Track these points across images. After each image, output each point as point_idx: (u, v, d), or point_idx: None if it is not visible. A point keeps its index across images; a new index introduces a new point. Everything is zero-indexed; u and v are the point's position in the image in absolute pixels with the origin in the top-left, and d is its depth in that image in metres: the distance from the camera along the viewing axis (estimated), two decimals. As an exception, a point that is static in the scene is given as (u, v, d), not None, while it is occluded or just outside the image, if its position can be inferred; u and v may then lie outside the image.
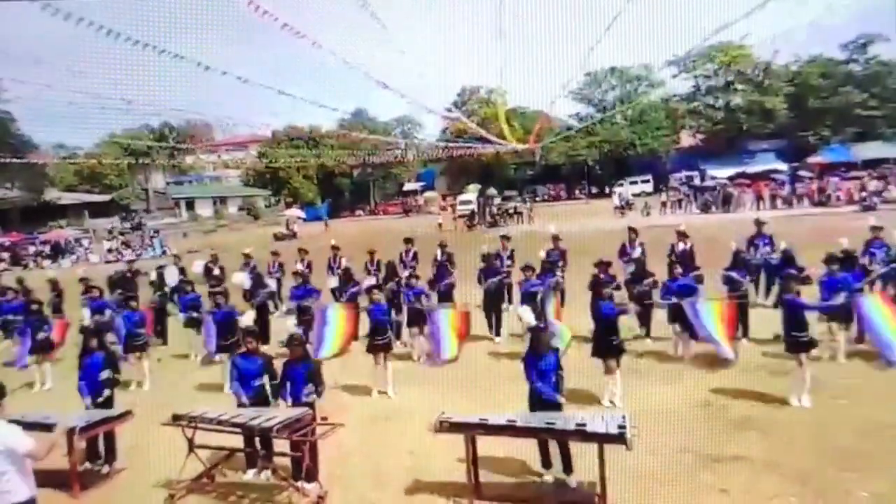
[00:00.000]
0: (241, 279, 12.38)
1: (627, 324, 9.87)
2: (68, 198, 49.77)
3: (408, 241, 13.61)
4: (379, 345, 9.19)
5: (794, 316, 7.76)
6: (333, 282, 13.66)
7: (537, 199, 49.83)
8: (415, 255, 13.40)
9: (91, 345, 7.38)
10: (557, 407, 6.13)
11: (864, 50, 46.71)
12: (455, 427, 5.92)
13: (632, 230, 12.18)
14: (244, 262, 14.08)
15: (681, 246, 11.57)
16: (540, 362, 6.25)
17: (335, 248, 14.20)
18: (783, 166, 42.60)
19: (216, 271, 14.02)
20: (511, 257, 12.49)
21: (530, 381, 6.27)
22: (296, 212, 47.34)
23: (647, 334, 10.72)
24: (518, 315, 8.09)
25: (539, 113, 48.30)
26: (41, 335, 10.87)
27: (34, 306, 11.40)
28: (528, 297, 10.25)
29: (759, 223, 12.02)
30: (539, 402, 6.18)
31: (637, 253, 11.85)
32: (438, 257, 12.74)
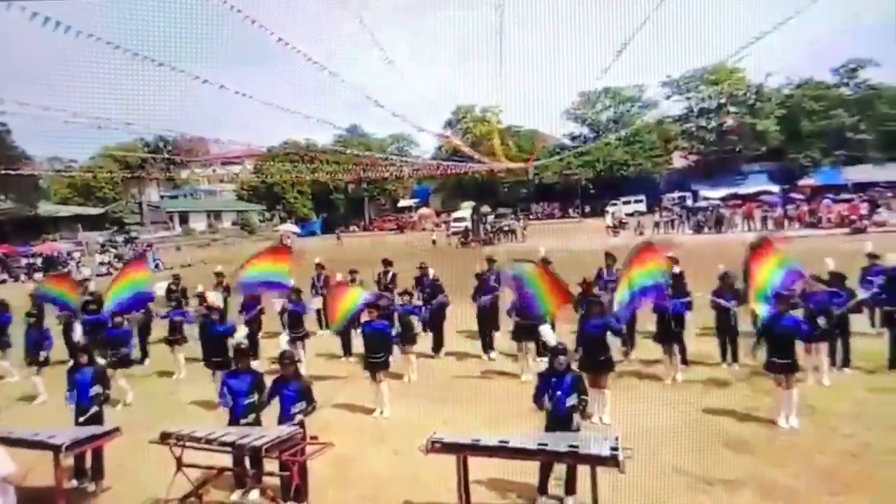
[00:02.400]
0: (213, 298, 12.19)
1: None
2: (61, 210, 49.57)
3: (386, 262, 13.48)
4: (374, 363, 9.09)
5: (775, 339, 7.78)
6: (317, 303, 13.54)
7: (531, 217, 50.09)
8: (393, 276, 13.30)
9: (81, 360, 7.32)
10: (571, 428, 6.10)
11: (855, 74, 47.54)
12: (446, 447, 5.86)
13: (608, 256, 11.97)
14: (216, 282, 13.92)
15: (675, 270, 11.52)
16: (556, 382, 6.24)
17: (320, 266, 13.99)
18: (775, 188, 43.07)
19: (177, 293, 13.81)
20: (498, 280, 12.09)
21: (538, 398, 6.26)
22: (290, 227, 47.40)
23: (627, 353, 10.68)
24: (540, 334, 8.07)
25: (533, 132, 48.91)
26: (42, 351, 10.84)
27: (32, 319, 11.28)
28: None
29: (752, 247, 11.85)
30: (554, 421, 6.16)
31: (612, 279, 11.76)
32: (424, 279, 12.65)
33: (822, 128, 46.18)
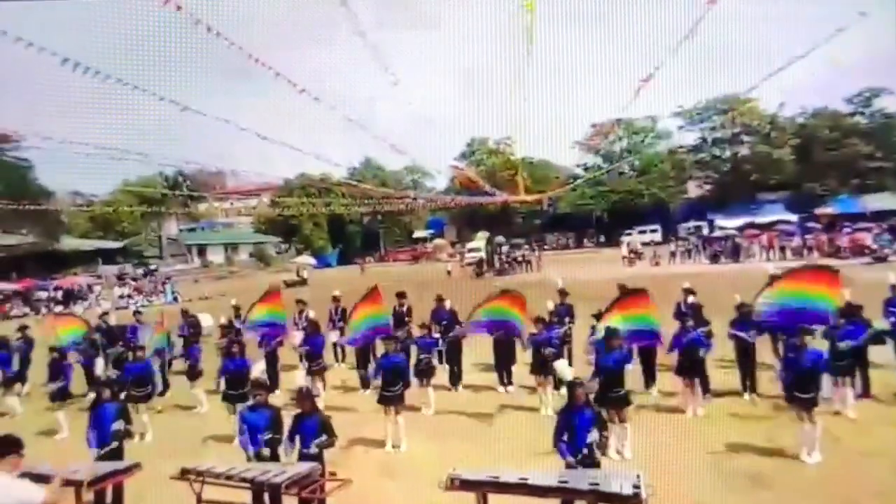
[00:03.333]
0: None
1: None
2: (83, 245, 50.40)
3: (401, 295, 13.35)
4: (390, 396, 9.03)
5: (797, 373, 7.68)
6: (335, 336, 13.58)
7: (545, 247, 50.02)
8: (408, 309, 13.19)
9: (103, 395, 7.40)
10: (592, 463, 6.03)
11: (870, 103, 47.45)
12: (466, 484, 5.82)
13: (622, 288, 12.03)
14: (235, 315, 14.17)
15: (689, 299, 11.47)
16: (575, 418, 6.20)
17: (336, 299, 14.03)
18: (792, 217, 42.71)
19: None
20: None
21: (556, 437, 6.21)
22: (306, 259, 47.71)
23: (649, 386, 10.58)
24: (556, 369, 8.05)
25: (545, 163, 49.22)
26: (60, 383, 10.97)
27: (55, 354, 11.40)
28: (536, 350, 10.22)
29: (773, 278, 11.76)
30: (576, 458, 6.10)
31: None
32: (441, 311, 12.62)
33: (837, 157, 45.98)
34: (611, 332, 8.77)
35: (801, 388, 7.59)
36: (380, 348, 10.73)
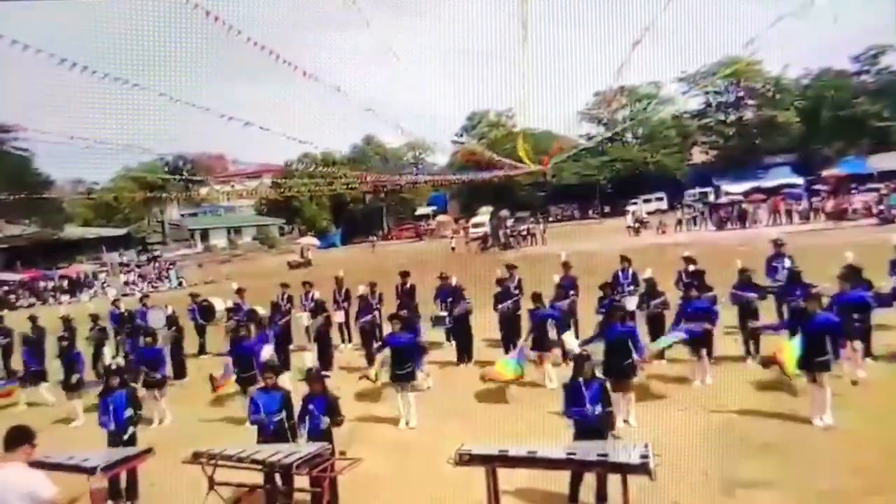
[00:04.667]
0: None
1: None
2: (86, 233, 50.54)
3: (404, 273, 13.28)
4: (402, 375, 9.07)
5: (811, 336, 7.63)
6: (340, 317, 13.61)
7: (550, 219, 49.83)
8: (412, 287, 13.14)
9: (113, 383, 7.45)
10: (601, 436, 6.04)
11: (876, 61, 46.61)
12: (475, 459, 5.85)
13: (624, 259, 11.88)
14: (239, 298, 14.26)
15: (691, 268, 11.39)
16: (582, 391, 6.19)
17: (340, 279, 13.99)
18: (798, 180, 42.33)
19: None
20: (519, 286, 12.10)
21: (565, 409, 6.20)
22: (310, 240, 47.70)
23: (662, 356, 10.59)
24: (562, 342, 8.06)
25: (547, 133, 48.78)
26: (74, 374, 10.96)
27: (64, 343, 11.42)
28: (536, 326, 10.23)
29: (777, 244, 11.70)
30: (584, 430, 6.11)
31: (628, 282, 11.69)
32: (445, 289, 12.61)
33: (844, 117, 45.35)
34: (617, 306, 8.76)
35: (813, 352, 7.55)
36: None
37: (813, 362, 7.56)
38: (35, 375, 12.07)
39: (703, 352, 9.56)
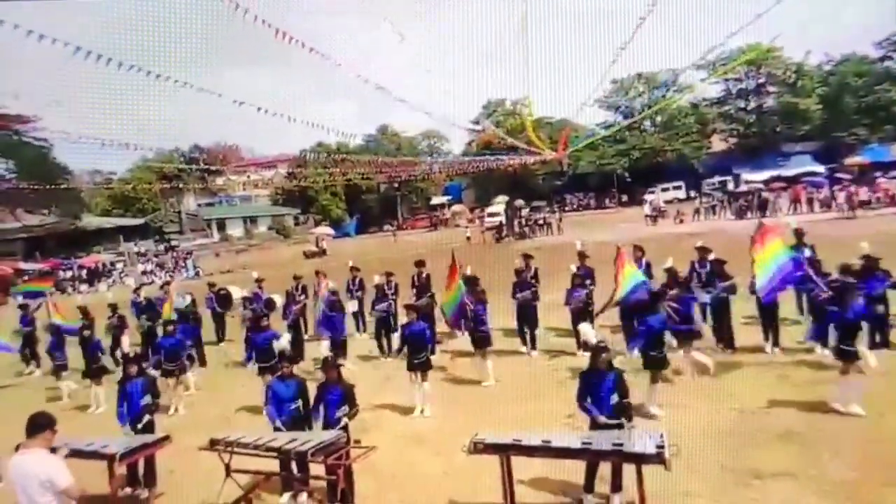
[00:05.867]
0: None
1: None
2: (104, 223, 51.20)
3: (419, 263, 13.14)
4: (418, 363, 9.11)
5: (843, 325, 7.50)
6: (353, 306, 13.64)
7: (566, 208, 49.48)
8: (427, 277, 13.05)
9: (131, 371, 7.52)
10: (618, 426, 5.97)
11: (900, 46, 45.52)
12: (489, 448, 5.83)
13: (637, 248, 11.74)
14: (258, 287, 14.36)
15: (710, 256, 11.17)
16: (598, 382, 6.14)
17: (354, 269, 13.97)
18: (820, 168, 41.57)
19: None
20: (535, 276, 12.08)
21: (580, 400, 6.17)
22: (325, 229, 47.91)
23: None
24: (580, 332, 8.00)
25: (564, 122, 48.33)
26: (96, 364, 11.15)
27: (86, 332, 11.55)
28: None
29: (798, 233, 11.47)
30: (598, 421, 6.07)
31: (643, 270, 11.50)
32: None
33: (867, 103, 44.36)
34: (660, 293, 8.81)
35: (846, 340, 7.46)
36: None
37: (845, 350, 7.44)
38: (59, 367, 12.22)
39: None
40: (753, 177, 42.64)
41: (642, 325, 8.36)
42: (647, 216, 35.46)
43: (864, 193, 30.82)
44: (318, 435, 6.35)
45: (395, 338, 10.56)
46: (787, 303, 10.68)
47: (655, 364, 8.09)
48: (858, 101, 44.78)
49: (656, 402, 8.07)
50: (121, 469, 6.47)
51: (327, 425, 6.57)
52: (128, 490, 7.11)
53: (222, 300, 15.64)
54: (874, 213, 27.70)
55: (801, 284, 10.29)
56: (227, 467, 6.33)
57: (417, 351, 9.12)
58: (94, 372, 11.16)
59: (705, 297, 10.50)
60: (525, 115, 45.93)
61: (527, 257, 12.55)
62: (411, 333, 9.21)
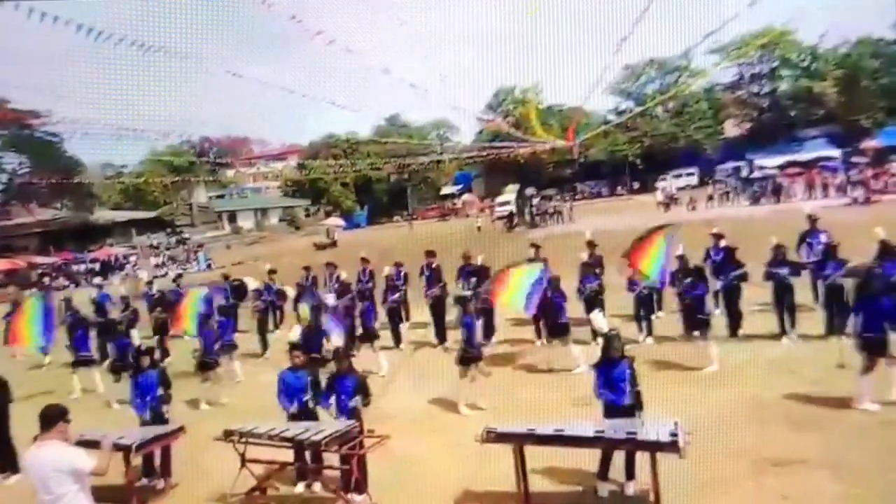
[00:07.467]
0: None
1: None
2: (117, 216, 51.55)
3: (430, 253, 12.97)
4: (470, 357, 8.91)
5: (867, 314, 7.32)
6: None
7: (577, 197, 49.12)
8: (437, 268, 12.88)
9: (144, 363, 7.58)
10: (630, 414, 5.94)
11: (918, 27, 44.50)
12: (501, 437, 5.82)
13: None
14: (269, 278, 14.48)
15: (722, 243, 11.04)
16: (611, 370, 6.10)
17: (365, 260, 13.82)
18: (835, 152, 40.88)
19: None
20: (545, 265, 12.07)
21: (596, 388, 6.14)
22: (336, 220, 47.92)
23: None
24: (591, 321, 7.94)
25: (575, 110, 47.84)
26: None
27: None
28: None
29: (812, 219, 11.31)
30: (612, 409, 6.03)
31: None
32: (467, 267, 12.44)
33: (884, 86, 43.52)
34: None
35: (870, 327, 7.26)
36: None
37: (865, 341, 7.28)
38: (84, 360, 11.79)
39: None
40: (767, 162, 42.01)
41: None
42: (659, 203, 35.13)
43: (879, 180, 30.31)
44: (331, 424, 6.38)
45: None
46: (803, 290, 10.56)
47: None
48: (875, 84, 43.94)
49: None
50: (136, 460, 6.55)
51: (341, 415, 6.59)
52: (144, 481, 7.18)
53: (236, 291, 15.70)
54: (890, 198, 27.25)
55: (817, 271, 10.20)
56: (243, 457, 6.39)
57: (472, 343, 8.95)
58: (118, 365, 10.99)
59: (717, 284, 10.44)
60: (532, 103, 45.63)
61: (535, 247, 12.48)
62: (468, 325, 9.04)
